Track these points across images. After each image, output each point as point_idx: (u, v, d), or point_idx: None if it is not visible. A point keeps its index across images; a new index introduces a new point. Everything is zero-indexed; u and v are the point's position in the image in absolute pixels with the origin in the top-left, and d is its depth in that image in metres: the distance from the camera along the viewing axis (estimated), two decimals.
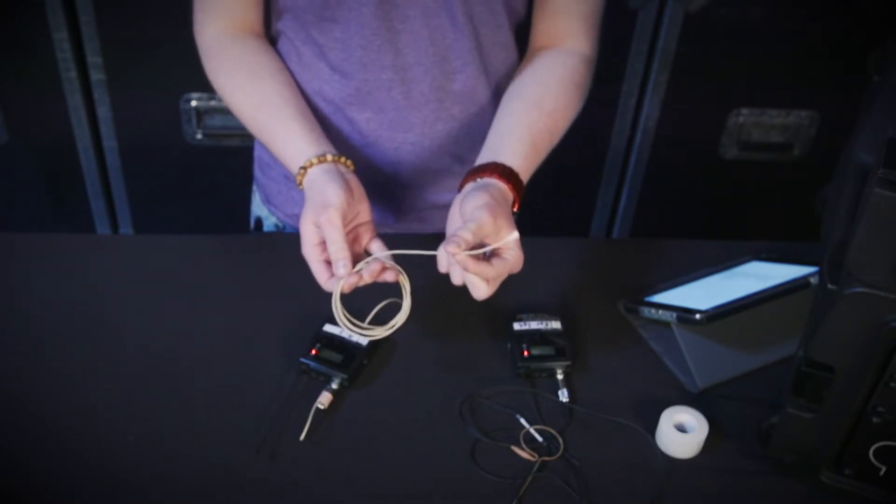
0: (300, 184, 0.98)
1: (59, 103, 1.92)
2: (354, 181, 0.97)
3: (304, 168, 0.97)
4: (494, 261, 0.90)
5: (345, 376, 0.97)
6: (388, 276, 0.93)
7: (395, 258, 0.94)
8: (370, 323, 0.97)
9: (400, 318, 0.93)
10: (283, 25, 1.11)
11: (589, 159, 2.10)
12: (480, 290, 0.90)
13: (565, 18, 1.11)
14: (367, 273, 0.92)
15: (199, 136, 2.00)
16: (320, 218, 0.91)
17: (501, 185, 0.95)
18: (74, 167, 2.03)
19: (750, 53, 1.95)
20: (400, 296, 0.93)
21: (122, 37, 1.86)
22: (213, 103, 1.95)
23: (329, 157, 0.98)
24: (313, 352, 0.99)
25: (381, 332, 0.94)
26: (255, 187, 1.32)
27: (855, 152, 0.89)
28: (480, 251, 0.89)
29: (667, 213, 2.20)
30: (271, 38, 1.14)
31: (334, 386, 0.97)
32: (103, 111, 1.95)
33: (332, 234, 0.91)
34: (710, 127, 2.06)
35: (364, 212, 0.97)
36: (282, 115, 1.04)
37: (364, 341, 1.01)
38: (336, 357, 0.99)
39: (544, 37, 1.13)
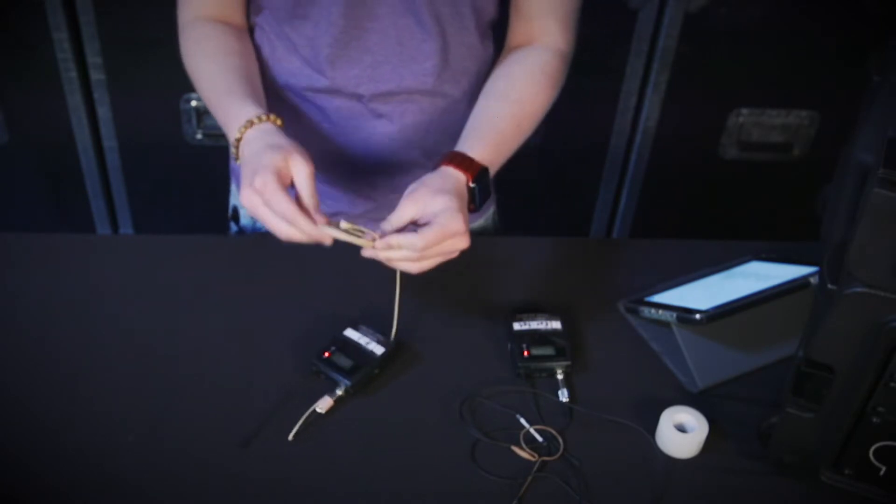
0: (242, 132, 0.96)
1: (59, 103, 1.92)
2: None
3: (259, 118, 0.97)
4: (423, 230, 0.90)
5: (349, 383, 0.96)
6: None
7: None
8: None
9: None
10: (261, 19, 1.14)
11: (589, 159, 2.10)
12: (410, 267, 0.91)
13: (540, 20, 1.12)
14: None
15: (199, 136, 2.00)
16: (293, 155, 0.91)
17: (443, 169, 0.97)
18: (74, 167, 2.03)
19: (750, 53, 1.95)
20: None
21: (122, 37, 1.86)
22: None
23: (279, 122, 0.98)
24: (326, 354, 0.99)
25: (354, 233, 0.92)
26: (232, 178, 1.33)
27: (855, 152, 0.89)
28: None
29: (667, 213, 2.20)
30: (251, 30, 1.16)
31: (339, 392, 0.96)
32: (103, 111, 1.95)
33: (307, 179, 0.91)
34: (710, 127, 2.06)
35: None
36: (236, 83, 1.04)
37: (379, 350, 1.00)
38: (346, 363, 0.98)
39: (520, 36, 1.14)
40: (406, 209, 0.92)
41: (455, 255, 0.92)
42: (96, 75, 1.90)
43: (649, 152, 2.08)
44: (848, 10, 1.88)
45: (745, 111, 2.03)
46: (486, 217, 1.33)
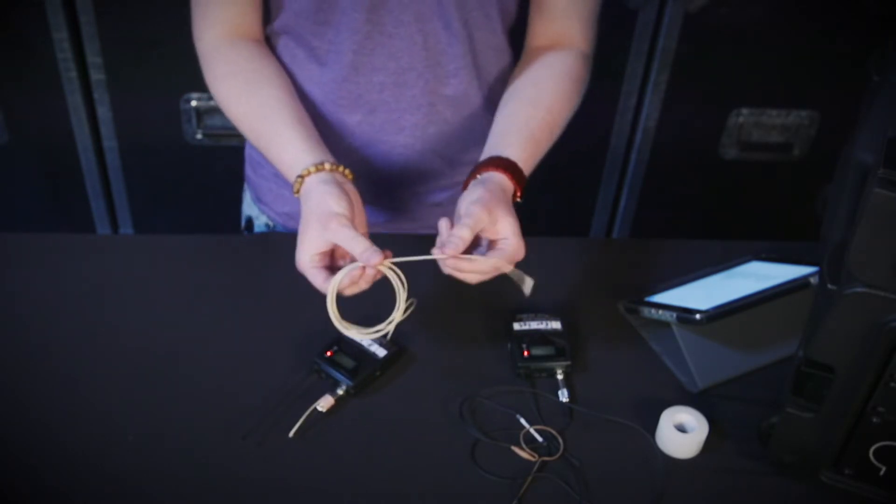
0: (297, 192, 0.95)
1: (59, 103, 1.92)
2: (353, 191, 0.95)
3: (301, 177, 0.95)
4: (491, 253, 0.91)
5: (350, 384, 0.96)
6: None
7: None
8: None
9: (395, 319, 0.92)
10: (279, 27, 1.10)
11: (589, 159, 2.10)
12: (473, 279, 0.91)
13: (562, 21, 1.11)
14: (365, 281, 0.90)
15: (199, 136, 2.00)
16: (329, 225, 0.89)
17: (499, 177, 0.96)
18: (74, 167, 2.03)
19: (750, 53, 1.95)
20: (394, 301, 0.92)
21: (122, 37, 1.86)
22: (212, 103, 1.94)
23: (327, 166, 0.95)
24: (328, 353, 0.99)
25: (372, 334, 0.92)
26: (245, 186, 1.32)
27: (855, 152, 0.89)
28: (469, 256, 0.90)
29: (667, 213, 2.20)
30: (268, 38, 1.13)
31: (339, 392, 0.96)
32: (103, 111, 1.95)
33: (347, 234, 0.88)
34: (710, 127, 2.06)
35: (360, 224, 0.94)
36: (279, 122, 1.01)
37: (381, 353, 1.00)
38: (349, 363, 0.98)
39: (542, 38, 1.13)
40: (480, 218, 0.90)
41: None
42: (96, 75, 1.90)
43: (649, 152, 2.08)
44: (848, 10, 1.88)
45: (745, 111, 2.03)
46: None
